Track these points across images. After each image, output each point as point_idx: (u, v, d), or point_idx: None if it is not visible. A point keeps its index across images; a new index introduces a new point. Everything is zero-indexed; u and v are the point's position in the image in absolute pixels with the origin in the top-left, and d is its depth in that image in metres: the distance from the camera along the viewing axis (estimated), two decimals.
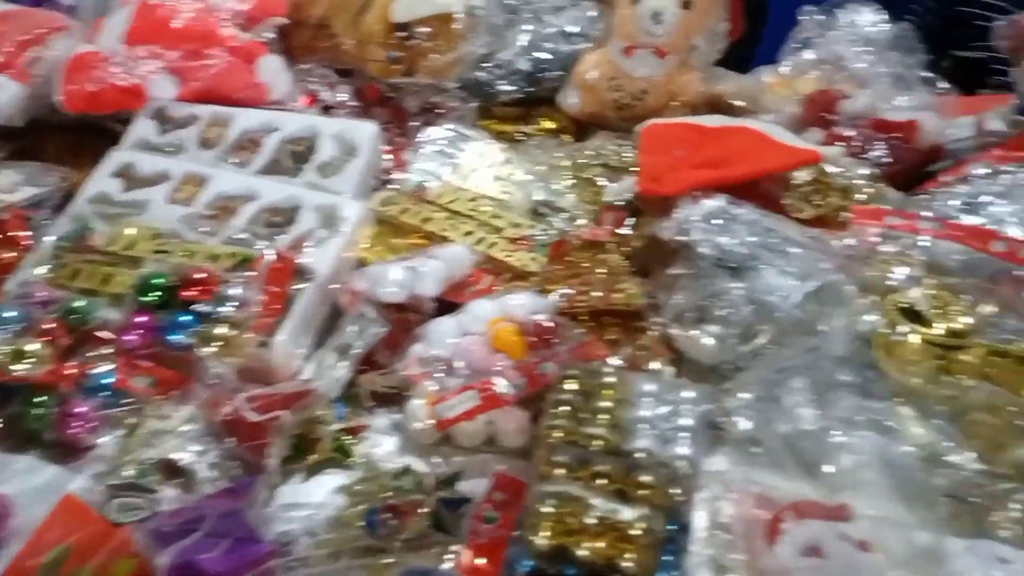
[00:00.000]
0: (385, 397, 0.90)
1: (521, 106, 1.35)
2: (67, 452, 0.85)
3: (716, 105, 1.26)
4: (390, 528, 0.72)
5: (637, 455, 0.72)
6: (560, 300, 0.93)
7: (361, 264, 1.02)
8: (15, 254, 1.01)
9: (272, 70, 1.24)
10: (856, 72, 1.18)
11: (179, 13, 1.23)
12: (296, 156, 1.14)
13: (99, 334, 0.91)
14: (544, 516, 0.67)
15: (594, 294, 0.94)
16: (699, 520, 0.75)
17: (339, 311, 0.96)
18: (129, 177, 1.12)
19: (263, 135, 1.16)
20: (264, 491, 0.79)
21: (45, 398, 0.85)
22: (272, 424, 0.81)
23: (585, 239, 1.04)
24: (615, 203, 1.09)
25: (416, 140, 1.22)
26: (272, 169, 1.13)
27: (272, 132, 1.16)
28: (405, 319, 0.94)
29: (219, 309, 0.89)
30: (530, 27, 1.32)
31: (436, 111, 1.28)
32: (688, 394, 0.79)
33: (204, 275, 0.91)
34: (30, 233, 1.04)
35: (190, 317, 0.89)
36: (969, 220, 0.97)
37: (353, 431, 0.86)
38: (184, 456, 0.81)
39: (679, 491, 0.71)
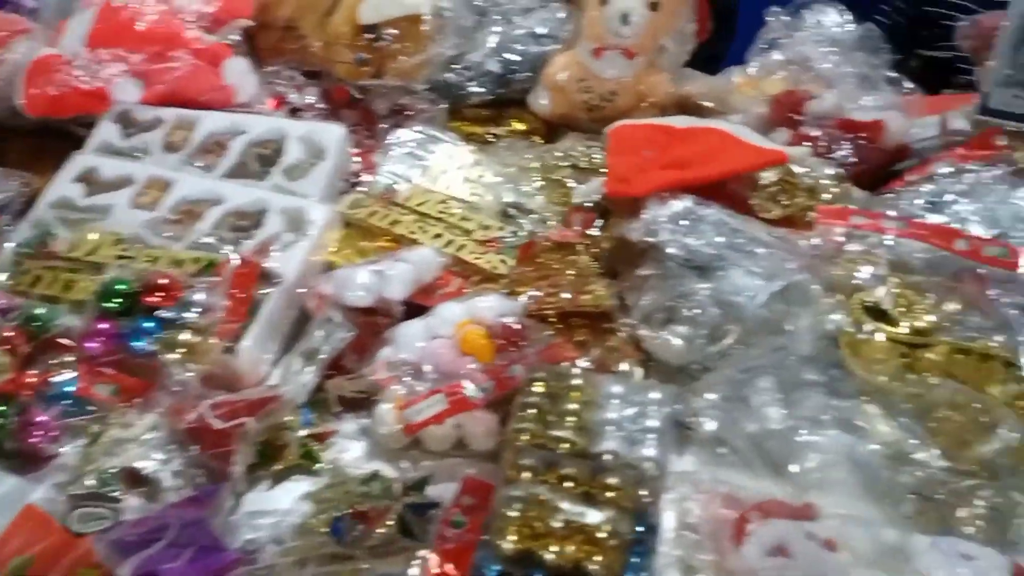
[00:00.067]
0: (353, 402, 0.90)
1: (491, 108, 1.35)
2: (28, 462, 0.84)
3: (685, 106, 1.26)
4: (357, 534, 0.71)
5: (604, 457, 0.72)
6: (528, 302, 0.93)
7: (329, 268, 1.02)
8: None
9: (238, 72, 1.23)
10: (822, 72, 1.19)
11: (143, 15, 1.22)
12: (263, 159, 1.13)
13: (61, 341, 0.90)
14: (510, 520, 0.67)
15: (563, 296, 0.94)
16: (667, 521, 0.75)
17: (307, 315, 0.95)
18: (92, 182, 1.10)
19: (229, 138, 1.15)
20: (229, 499, 0.78)
21: (5, 407, 0.84)
22: (237, 431, 0.80)
23: (554, 241, 1.04)
24: (584, 204, 1.09)
25: (385, 142, 1.21)
26: (238, 172, 1.12)
27: (238, 135, 1.15)
28: (373, 323, 0.93)
29: (183, 315, 0.88)
30: (499, 28, 1.32)
31: (405, 113, 1.28)
32: (655, 395, 0.79)
33: (167, 280, 0.90)
34: None
35: (153, 323, 0.88)
36: (933, 219, 0.98)
37: (320, 437, 0.85)
38: (148, 464, 0.80)
39: (646, 492, 0.71)
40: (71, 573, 0.72)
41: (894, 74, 1.22)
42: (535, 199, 1.13)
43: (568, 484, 0.70)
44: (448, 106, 1.30)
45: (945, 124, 1.17)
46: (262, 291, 0.94)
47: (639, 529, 0.71)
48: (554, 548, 0.66)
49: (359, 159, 1.20)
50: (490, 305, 0.90)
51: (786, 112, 1.16)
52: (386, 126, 1.26)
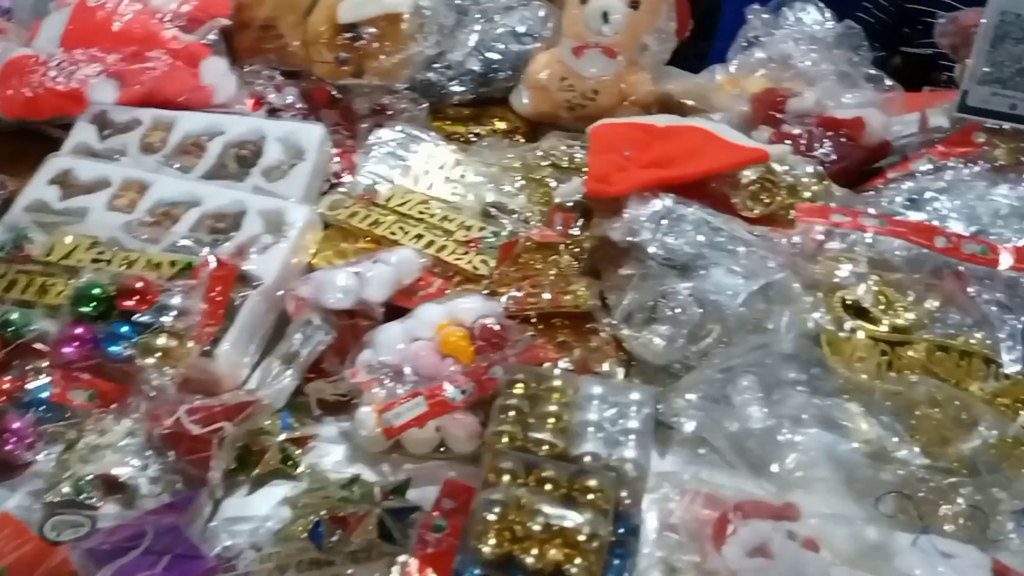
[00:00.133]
0: (333, 405, 0.89)
1: (473, 106, 1.34)
2: (2, 469, 0.83)
3: (667, 104, 1.26)
4: (336, 540, 0.71)
5: (584, 460, 0.72)
6: (509, 303, 0.92)
7: (310, 269, 1.01)
8: None
9: (216, 72, 1.21)
10: (803, 70, 1.19)
11: (118, 15, 1.21)
12: (241, 160, 1.12)
13: (36, 347, 0.89)
14: (490, 524, 0.66)
15: (544, 296, 0.94)
16: (650, 521, 0.75)
17: (287, 318, 0.95)
18: (67, 184, 1.09)
19: (207, 139, 1.14)
20: (207, 505, 0.78)
21: None
22: (214, 436, 0.79)
23: (536, 240, 1.04)
24: (565, 204, 1.08)
25: (366, 142, 1.21)
26: (217, 173, 1.11)
27: (216, 136, 1.14)
28: (354, 325, 0.93)
29: (160, 319, 0.87)
30: (479, 27, 1.32)
31: (386, 112, 1.27)
32: (635, 396, 0.79)
33: (143, 284, 0.89)
34: None
35: (129, 328, 0.87)
36: (914, 216, 0.99)
37: (300, 441, 0.85)
38: (124, 471, 0.79)
39: (627, 494, 0.71)
40: None
41: (874, 71, 1.22)
42: (517, 199, 1.13)
43: (548, 487, 0.69)
44: (429, 105, 1.29)
45: (925, 121, 1.18)
46: (241, 294, 0.93)
47: (620, 531, 0.71)
48: (534, 552, 0.65)
49: (339, 159, 1.19)
50: (471, 306, 0.90)
51: (767, 110, 1.16)
52: (367, 126, 1.25)
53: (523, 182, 1.14)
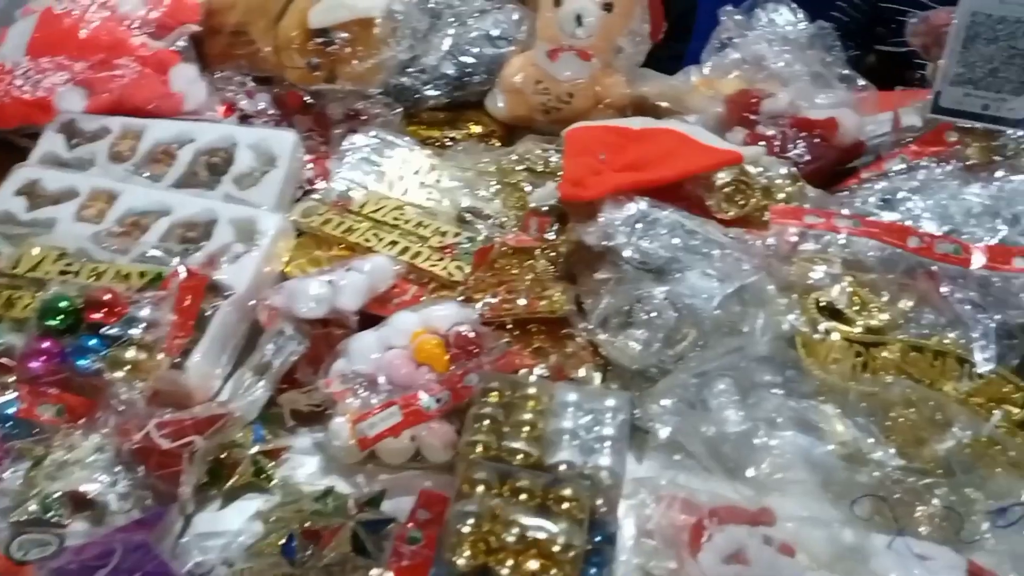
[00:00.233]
0: (307, 416, 0.88)
1: (449, 110, 1.33)
2: None
3: (642, 107, 1.26)
4: (309, 554, 0.70)
5: (559, 468, 0.71)
6: (484, 309, 0.92)
7: (283, 278, 1.00)
8: None
9: (186, 79, 1.20)
10: (776, 71, 1.19)
11: (85, 22, 1.19)
12: (212, 168, 1.11)
13: (1, 361, 0.87)
14: (464, 536, 0.65)
15: (519, 302, 0.93)
16: (627, 527, 0.75)
17: (259, 328, 0.93)
18: (35, 195, 1.07)
19: (177, 147, 1.13)
20: (177, 521, 0.76)
21: None
22: (185, 451, 0.77)
23: (511, 245, 1.03)
24: (540, 208, 1.08)
25: (339, 148, 1.20)
26: (187, 182, 1.09)
27: (187, 143, 1.13)
28: (327, 334, 0.92)
29: (129, 331, 0.86)
30: (453, 30, 1.31)
31: (360, 118, 1.26)
32: (610, 402, 0.78)
33: (111, 296, 0.87)
34: None
35: (98, 341, 0.86)
36: (887, 216, 0.99)
37: (273, 454, 0.84)
38: (93, 487, 0.77)
39: (602, 502, 0.70)
40: None
41: (847, 71, 1.22)
42: (492, 203, 1.12)
43: (523, 497, 0.69)
44: (404, 110, 1.28)
45: (898, 120, 1.18)
46: (212, 304, 0.92)
47: (596, 539, 0.70)
48: (509, 563, 0.65)
49: (313, 165, 1.18)
50: (445, 314, 0.89)
51: (741, 112, 1.16)
52: (340, 131, 1.24)
53: (498, 187, 1.14)
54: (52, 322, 0.87)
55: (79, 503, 0.77)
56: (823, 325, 0.87)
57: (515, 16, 1.32)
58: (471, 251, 1.01)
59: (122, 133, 1.15)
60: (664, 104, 1.25)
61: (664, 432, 0.80)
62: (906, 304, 0.89)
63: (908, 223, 0.96)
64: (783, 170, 1.05)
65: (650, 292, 0.90)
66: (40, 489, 0.77)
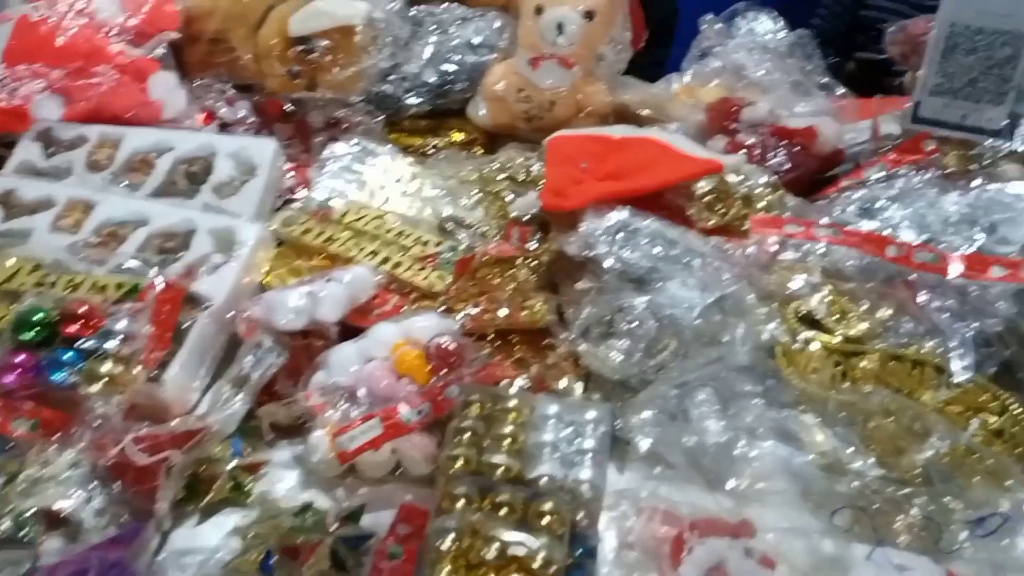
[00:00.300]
0: (286, 429, 0.87)
1: (431, 118, 1.33)
2: None
3: (624, 115, 1.26)
4: (287, 571, 0.69)
5: (540, 482, 0.71)
6: (465, 320, 0.91)
7: (263, 288, 0.99)
8: None
9: (165, 87, 1.19)
10: (756, 80, 1.20)
11: (62, 30, 1.17)
12: (191, 177, 1.10)
13: None
14: (443, 554, 0.65)
15: (500, 313, 0.93)
16: (608, 540, 0.75)
17: (238, 340, 0.92)
18: (10, 204, 1.06)
19: (156, 155, 1.12)
20: (154, 538, 0.75)
21: None
22: (161, 466, 0.77)
23: (493, 255, 1.03)
24: (522, 218, 1.08)
25: (320, 156, 1.19)
26: (166, 191, 1.09)
27: (165, 152, 1.12)
28: (308, 346, 0.91)
29: (105, 344, 0.85)
30: (434, 38, 1.31)
31: (341, 126, 1.26)
32: (591, 414, 0.78)
33: (87, 308, 0.86)
34: None
35: (73, 354, 0.84)
36: (866, 224, 0.99)
37: (251, 468, 0.83)
38: (67, 504, 0.76)
39: (583, 515, 0.70)
40: None
41: (827, 80, 1.23)
42: (474, 213, 1.11)
43: (503, 511, 0.68)
44: (385, 118, 1.28)
45: (877, 129, 1.19)
46: (190, 316, 0.91)
47: (577, 552, 0.70)
48: None
49: (293, 174, 1.17)
50: (426, 325, 0.88)
51: (722, 120, 1.17)
52: (321, 139, 1.24)
53: (480, 195, 1.14)
54: (27, 335, 0.86)
55: (53, 520, 0.76)
56: (803, 335, 0.88)
57: (496, 24, 1.32)
58: (453, 261, 1.01)
59: (100, 142, 1.14)
60: (645, 112, 1.26)
61: (645, 444, 0.79)
62: (885, 313, 0.90)
63: (887, 232, 0.96)
64: (763, 179, 1.05)
65: (631, 302, 0.90)
66: (13, 506, 0.76)
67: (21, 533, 0.74)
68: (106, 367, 0.83)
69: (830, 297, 0.90)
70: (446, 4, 1.36)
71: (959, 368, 0.84)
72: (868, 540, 0.74)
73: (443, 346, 0.86)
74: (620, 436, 0.83)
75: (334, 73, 1.24)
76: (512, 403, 0.79)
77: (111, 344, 0.84)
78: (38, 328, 0.86)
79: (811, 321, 0.89)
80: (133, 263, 0.97)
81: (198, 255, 0.98)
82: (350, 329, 0.92)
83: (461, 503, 0.68)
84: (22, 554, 0.73)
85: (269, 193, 1.10)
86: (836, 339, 0.87)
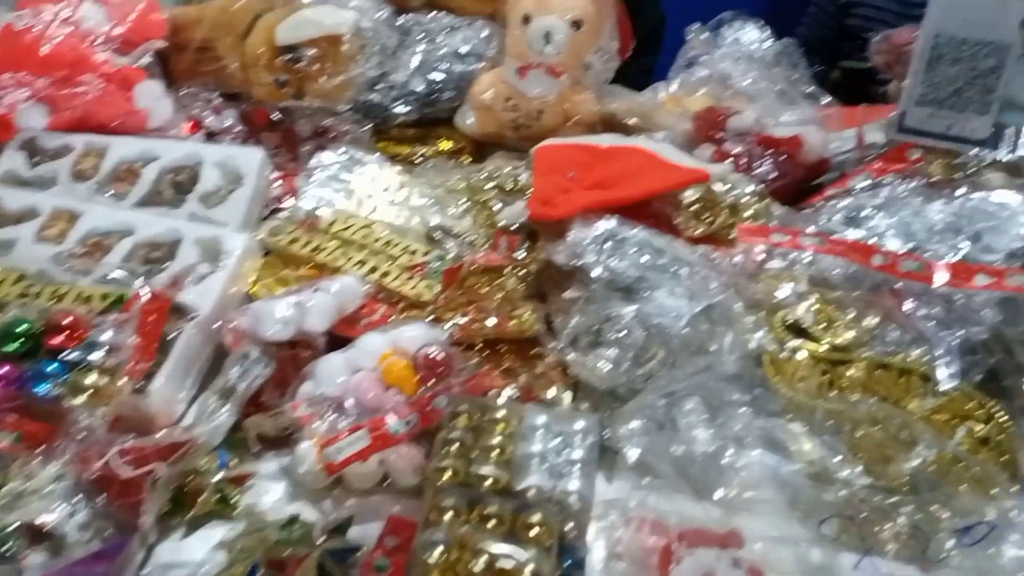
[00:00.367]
0: (274, 440, 0.86)
1: (419, 127, 1.33)
2: None
3: (611, 123, 1.27)
4: None
5: (528, 494, 0.71)
6: (453, 330, 0.91)
7: (250, 298, 0.98)
8: None
9: (151, 96, 1.19)
10: (742, 89, 1.20)
11: (47, 39, 1.16)
12: (178, 186, 1.09)
13: None
14: (431, 567, 0.65)
15: (488, 322, 0.92)
16: (597, 550, 0.74)
17: (225, 351, 0.92)
18: None
19: (142, 165, 1.11)
20: (139, 552, 0.75)
21: None
22: (146, 479, 0.76)
23: (481, 265, 1.03)
24: (510, 227, 1.07)
25: (308, 165, 1.19)
26: (152, 201, 1.08)
27: (152, 161, 1.11)
28: (295, 356, 0.91)
29: (89, 356, 0.84)
30: (422, 47, 1.31)
31: (328, 135, 1.25)
32: (579, 424, 0.78)
33: (72, 319, 0.86)
34: None
35: (57, 365, 0.84)
36: (852, 233, 0.99)
37: (238, 480, 0.82)
38: (51, 518, 0.75)
39: (571, 526, 0.70)
40: None
41: (812, 89, 1.24)
42: (462, 222, 1.11)
43: (491, 523, 0.68)
44: (373, 126, 1.28)
45: (862, 138, 1.19)
46: (176, 326, 0.90)
47: (566, 564, 0.70)
48: None
49: (280, 183, 1.17)
50: (414, 335, 0.88)
51: (708, 129, 1.17)
52: (309, 148, 1.23)
53: (468, 204, 1.13)
54: (10, 347, 0.85)
55: (36, 535, 0.75)
56: (790, 343, 0.88)
57: (484, 33, 1.32)
58: (440, 270, 1.01)
59: (85, 151, 1.13)
60: (633, 121, 1.26)
61: (633, 455, 0.79)
62: (871, 321, 0.90)
63: (873, 240, 0.97)
64: (750, 188, 1.05)
65: (619, 311, 0.90)
66: None
67: (3, 548, 0.73)
68: (91, 379, 0.83)
69: (817, 306, 0.90)
70: (434, 13, 1.36)
71: (945, 376, 0.85)
72: (856, 549, 0.74)
73: (431, 356, 0.85)
74: (609, 445, 0.83)
75: (321, 82, 1.23)
76: (500, 414, 0.79)
77: (96, 355, 0.84)
78: (22, 339, 0.86)
79: (798, 330, 0.90)
80: (118, 273, 0.96)
81: (184, 265, 0.97)
82: (338, 339, 0.92)
83: (449, 515, 0.68)
84: (4, 569, 0.72)
85: (256, 202, 1.10)
86: (823, 348, 0.88)
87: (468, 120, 1.30)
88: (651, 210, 1.02)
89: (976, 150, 1.05)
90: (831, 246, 0.94)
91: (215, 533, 0.77)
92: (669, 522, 0.74)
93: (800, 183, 1.15)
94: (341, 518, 0.76)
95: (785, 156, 1.13)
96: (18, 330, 0.86)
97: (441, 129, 1.33)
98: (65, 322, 0.86)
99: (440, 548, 0.65)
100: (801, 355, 0.87)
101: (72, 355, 0.84)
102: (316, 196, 1.14)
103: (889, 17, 1.86)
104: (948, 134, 1.05)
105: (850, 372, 0.86)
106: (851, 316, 0.90)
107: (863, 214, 1.01)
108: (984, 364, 0.87)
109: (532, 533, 0.67)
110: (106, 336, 0.85)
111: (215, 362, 0.93)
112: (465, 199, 1.14)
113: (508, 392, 0.87)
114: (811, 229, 0.98)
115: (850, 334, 0.88)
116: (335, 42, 1.23)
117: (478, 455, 0.74)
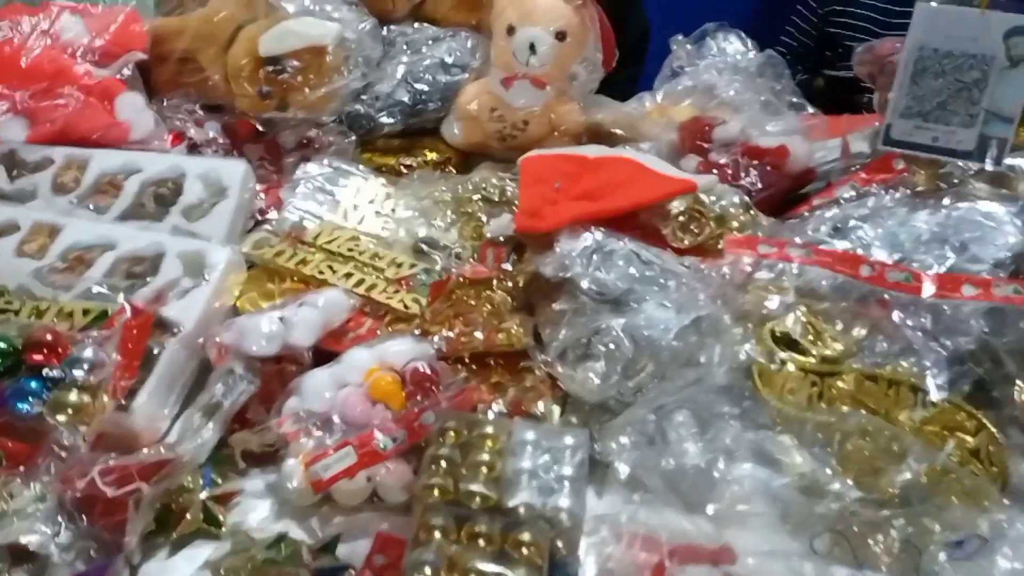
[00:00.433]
0: (260, 457, 0.85)
1: (404, 138, 1.33)
2: None
3: (597, 134, 1.27)
4: None
5: (518, 511, 0.70)
6: (441, 344, 0.90)
7: (235, 312, 0.97)
8: None
9: (133, 108, 1.17)
10: (727, 99, 1.20)
11: (27, 51, 1.15)
12: (160, 199, 1.08)
13: None
14: None
15: (476, 335, 0.92)
16: (588, 566, 0.74)
17: (209, 366, 0.91)
18: None
19: (124, 177, 1.10)
20: (123, 572, 0.73)
21: None
22: (130, 498, 0.75)
23: (468, 277, 1.02)
24: (497, 239, 1.07)
25: (292, 177, 1.18)
26: (134, 214, 1.07)
27: (133, 174, 1.10)
28: (281, 371, 0.90)
29: (72, 373, 0.83)
30: (407, 58, 1.30)
31: (313, 146, 1.25)
32: (568, 440, 0.77)
33: (53, 336, 0.84)
34: None
35: (38, 383, 0.82)
36: (839, 244, 0.99)
37: (223, 498, 0.81)
38: (34, 539, 0.74)
39: (562, 543, 0.69)
40: None
41: (797, 99, 1.25)
42: (448, 234, 1.11)
43: (481, 542, 0.67)
44: (358, 137, 1.27)
45: (847, 147, 1.20)
46: (159, 342, 0.89)
47: None
48: None
49: (265, 195, 1.16)
50: (400, 349, 0.87)
51: (694, 139, 1.17)
52: (293, 160, 1.23)
53: (454, 216, 1.13)
54: None
55: (18, 556, 0.74)
56: (779, 355, 0.88)
57: (469, 43, 1.32)
58: (428, 283, 1.00)
59: (66, 164, 1.12)
60: (618, 131, 1.26)
61: (624, 469, 0.79)
62: (860, 332, 0.90)
63: (859, 251, 0.97)
64: (736, 199, 1.05)
65: (608, 324, 0.90)
66: None
67: None
68: (73, 396, 0.81)
69: (805, 317, 0.90)
70: (418, 24, 1.36)
71: (934, 387, 0.85)
72: (848, 563, 0.74)
73: (419, 371, 0.85)
74: (599, 459, 0.82)
75: (305, 93, 1.23)
76: (489, 429, 0.78)
77: (78, 373, 0.83)
78: (2, 357, 0.84)
79: (787, 341, 0.90)
80: (100, 288, 0.95)
81: (167, 279, 0.96)
82: (324, 354, 0.91)
83: (438, 534, 0.67)
84: None
85: (240, 215, 1.09)
86: (812, 359, 0.87)
87: (454, 130, 1.30)
88: (638, 221, 1.02)
89: (962, 161, 1.06)
90: (818, 257, 0.94)
91: (201, 552, 0.76)
92: (660, 537, 0.74)
93: (786, 193, 1.15)
94: (328, 536, 0.75)
95: (771, 166, 1.13)
96: None
97: (427, 140, 1.33)
98: (46, 338, 0.84)
99: (430, 568, 0.64)
100: (790, 367, 0.87)
101: (54, 372, 0.83)
102: (301, 208, 1.13)
103: (871, 25, 1.88)
104: (934, 146, 1.06)
105: (839, 384, 0.86)
106: (839, 327, 0.90)
107: (849, 224, 1.01)
108: (973, 374, 0.87)
109: (522, 552, 0.67)
110: (88, 353, 0.84)
111: (199, 378, 0.92)
112: (451, 211, 1.14)
113: (496, 407, 0.86)
114: (798, 240, 0.98)
115: (838, 346, 0.88)
116: (319, 53, 1.22)
117: (467, 472, 0.73)
